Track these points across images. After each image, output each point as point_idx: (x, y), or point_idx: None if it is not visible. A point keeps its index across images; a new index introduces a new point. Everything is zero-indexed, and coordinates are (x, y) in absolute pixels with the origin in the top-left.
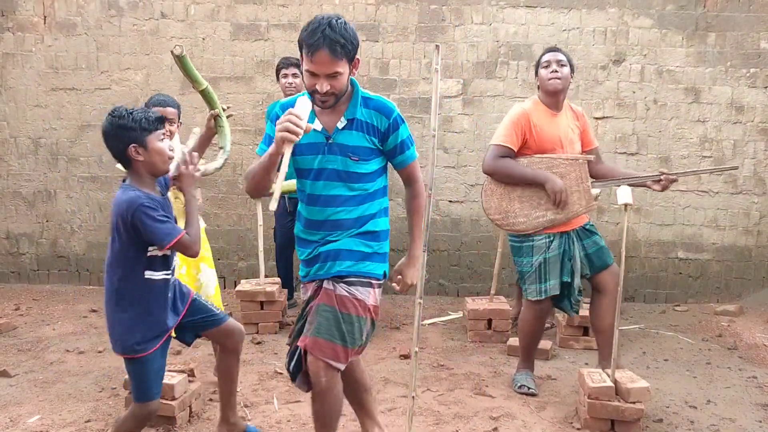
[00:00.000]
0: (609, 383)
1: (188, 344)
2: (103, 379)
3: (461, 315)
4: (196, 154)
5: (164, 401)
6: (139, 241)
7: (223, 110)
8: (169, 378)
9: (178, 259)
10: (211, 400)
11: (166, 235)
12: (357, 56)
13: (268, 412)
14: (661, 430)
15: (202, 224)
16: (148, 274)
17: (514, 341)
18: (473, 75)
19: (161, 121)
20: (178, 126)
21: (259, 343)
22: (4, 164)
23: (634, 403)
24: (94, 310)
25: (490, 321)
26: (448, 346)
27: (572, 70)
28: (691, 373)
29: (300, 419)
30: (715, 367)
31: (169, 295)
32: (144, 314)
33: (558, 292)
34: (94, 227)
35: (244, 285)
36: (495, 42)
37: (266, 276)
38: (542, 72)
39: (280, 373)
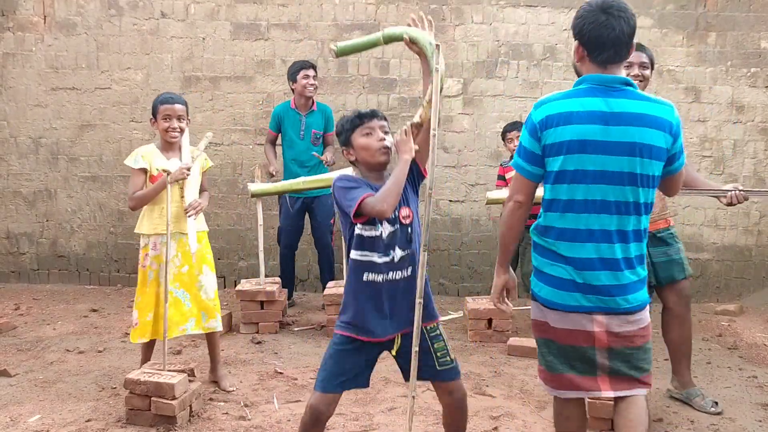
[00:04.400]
0: None
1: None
2: (104, 378)
3: (461, 314)
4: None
5: (164, 401)
6: (342, 216)
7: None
8: (169, 378)
9: (181, 258)
10: (211, 399)
11: (350, 203)
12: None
13: (268, 411)
14: (661, 430)
15: (204, 227)
16: (352, 254)
17: (514, 341)
18: (473, 74)
19: (363, 117)
20: (187, 122)
21: (259, 342)
22: (4, 164)
23: None
24: (94, 310)
25: (490, 321)
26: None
27: (654, 65)
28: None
29: (300, 418)
30: (715, 366)
31: (391, 293)
32: (350, 295)
33: None
34: (95, 227)
35: (244, 285)
36: (495, 41)
37: (266, 276)
38: (625, 71)
39: (280, 373)
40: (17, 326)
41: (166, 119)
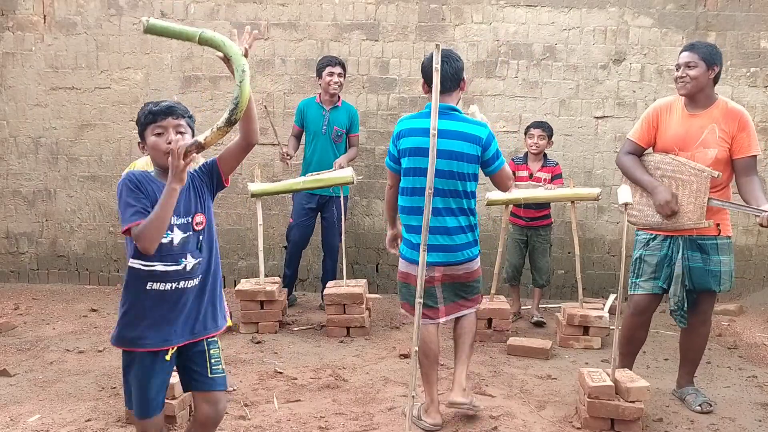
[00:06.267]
0: (609, 382)
1: (184, 390)
2: (103, 378)
3: None
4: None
5: (164, 400)
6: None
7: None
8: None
9: None
10: None
11: (123, 219)
12: None
13: (268, 411)
14: (660, 430)
15: None
16: (132, 262)
17: (514, 341)
18: (473, 74)
19: (156, 114)
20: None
21: (258, 342)
22: (4, 163)
23: (633, 402)
24: (93, 310)
25: (490, 320)
26: (449, 345)
27: (710, 64)
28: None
29: (300, 418)
30: (715, 366)
31: (180, 302)
32: (132, 308)
33: (648, 293)
34: (94, 226)
35: (244, 284)
36: (495, 41)
37: (266, 275)
38: (675, 73)
39: (280, 373)
40: (17, 326)
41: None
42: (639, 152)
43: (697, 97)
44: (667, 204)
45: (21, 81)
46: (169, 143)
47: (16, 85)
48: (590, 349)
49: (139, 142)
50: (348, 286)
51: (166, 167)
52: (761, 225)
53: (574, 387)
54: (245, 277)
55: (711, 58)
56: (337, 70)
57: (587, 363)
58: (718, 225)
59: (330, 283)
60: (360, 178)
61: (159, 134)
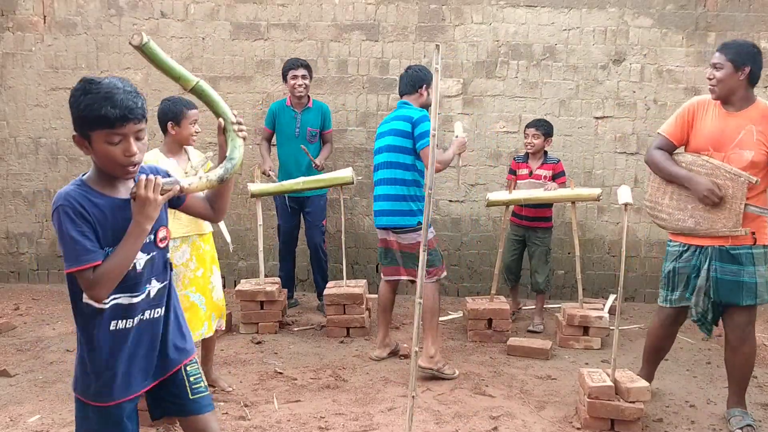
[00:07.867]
0: (609, 383)
1: (153, 419)
2: None
3: (461, 315)
4: (159, 178)
5: None
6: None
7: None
8: None
9: (195, 261)
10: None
11: (72, 257)
12: None
13: (268, 411)
14: (661, 430)
15: (210, 228)
16: (87, 299)
17: (514, 341)
18: (473, 74)
19: (113, 120)
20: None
21: (259, 342)
22: (4, 164)
23: (633, 402)
24: None
25: (490, 321)
26: (448, 345)
27: (739, 65)
28: (691, 372)
29: (300, 418)
30: (715, 366)
31: (141, 338)
32: (92, 354)
33: (682, 305)
34: None
35: (244, 285)
36: (495, 41)
37: (266, 276)
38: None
39: (281, 373)
40: (17, 326)
41: (194, 124)
42: (670, 149)
43: (731, 99)
44: (711, 192)
45: (21, 81)
46: (130, 155)
47: (16, 85)
48: (590, 350)
49: (74, 136)
50: (348, 286)
51: (118, 178)
52: None
53: (574, 387)
54: (245, 278)
55: (740, 58)
56: (300, 72)
57: (587, 363)
58: (753, 233)
59: (330, 283)
60: (360, 178)
61: (114, 143)
